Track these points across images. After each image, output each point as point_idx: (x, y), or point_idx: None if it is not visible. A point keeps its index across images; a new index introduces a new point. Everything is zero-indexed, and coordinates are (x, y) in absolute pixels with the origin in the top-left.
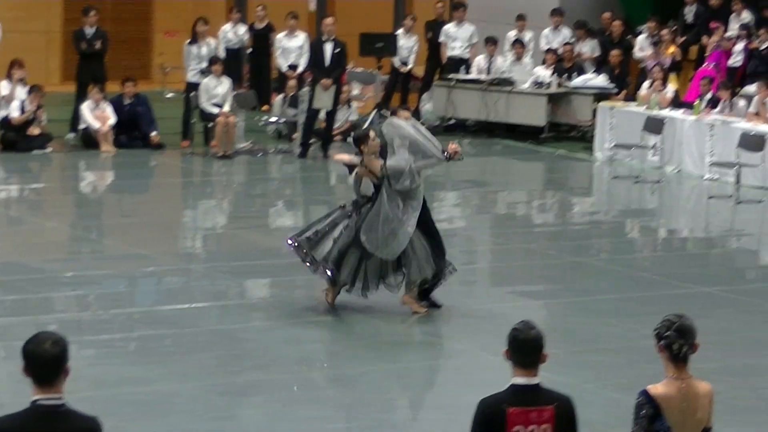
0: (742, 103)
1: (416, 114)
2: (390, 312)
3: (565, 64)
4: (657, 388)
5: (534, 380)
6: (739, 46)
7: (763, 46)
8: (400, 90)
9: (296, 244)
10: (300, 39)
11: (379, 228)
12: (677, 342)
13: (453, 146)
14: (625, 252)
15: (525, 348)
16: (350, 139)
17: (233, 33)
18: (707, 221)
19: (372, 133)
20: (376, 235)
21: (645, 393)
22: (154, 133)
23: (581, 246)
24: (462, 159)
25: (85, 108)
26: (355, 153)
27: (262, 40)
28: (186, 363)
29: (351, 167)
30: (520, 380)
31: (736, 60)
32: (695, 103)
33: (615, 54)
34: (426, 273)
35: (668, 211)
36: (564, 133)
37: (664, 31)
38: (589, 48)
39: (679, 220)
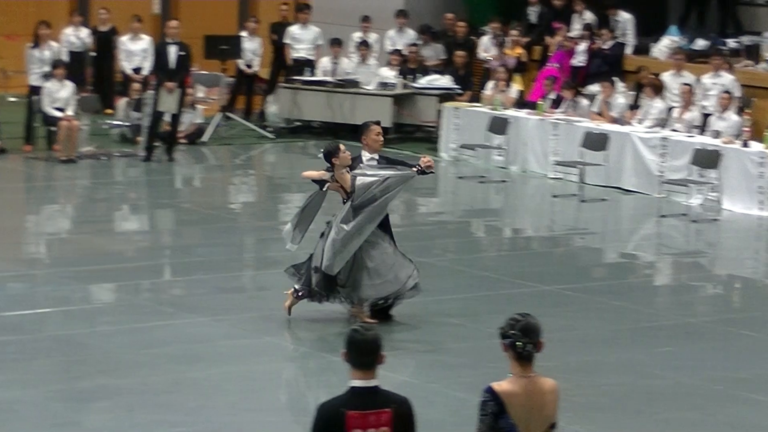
0: (585, 102)
1: (261, 116)
2: (233, 316)
3: (410, 65)
4: (502, 386)
5: (372, 382)
6: (582, 46)
7: (606, 46)
8: (245, 92)
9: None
10: (144, 42)
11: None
12: (521, 341)
13: (425, 159)
14: (470, 252)
15: (362, 350)
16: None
17: (75, 36)
18: (552, 220)
19: (342, 146)
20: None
21: (490, 390)
22: None
23: (427, 246)
24: (434, 172)
25: None
26: (325, 168)
27: (106, 43)
28: (29, 369)
29: (321, 183)
30: (358, 383)
31: (579, 60)
32: (539, 103)
33: (459, 55)
34: (381, 293)
35: (513, 210)
36: (409, 133)
37: (514, 32)
38: (433, 51)
39: (524, 219)
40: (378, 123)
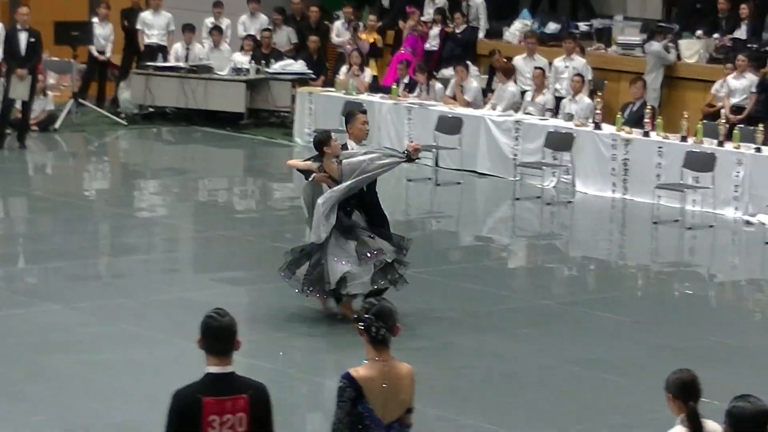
0: (439, 86)
1: (114, 103)
2: (89, 303)
3: (263, 51)
4: (359, 371)
5: (228, 368)
6: (435, 30)
7: (458, 30)
8: (98, 79)
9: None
10: None
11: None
12: (375, 325)
13: (413, 144)
14: None
15: (218, 336)
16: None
17: None
18: (407, 204)
19: (333, 135)
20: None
21: (347, 376)
22: None
23: (282, 232)
24: (420, 158)
25: None
26: (311, 158)
27: None
28: None
29: (306, 173)
30: (214, 369)
31: (432, 44)
32: (393, 88)
33: (313, 40)
34: (365, 288)
35: None
36: (264, 119)
37: (372, 17)
38: (286, 36)
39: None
40: (364, 111)
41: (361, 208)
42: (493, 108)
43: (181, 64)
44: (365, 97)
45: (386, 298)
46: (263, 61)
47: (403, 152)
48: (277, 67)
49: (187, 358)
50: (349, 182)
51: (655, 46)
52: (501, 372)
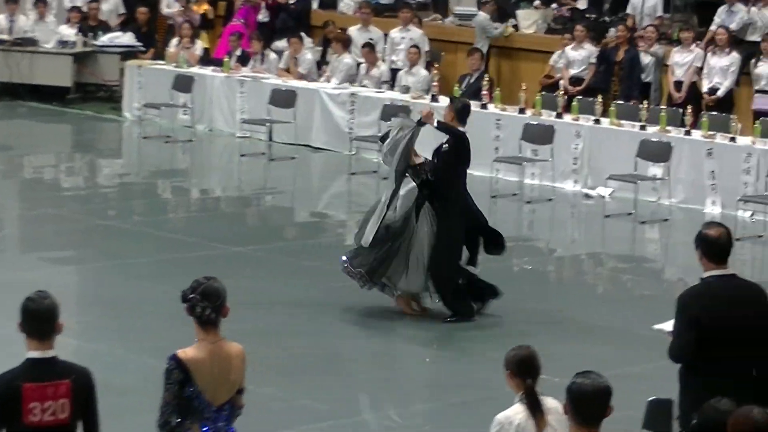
0: (273, 57)
1: None
2: None
3: (90, 23)
4: (187, 353)
5: (49, 353)
6: (267, 0)
7: (292, 1)
8: None
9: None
10: None
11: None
12: (200, 305)
13: (425, 110)
14: (157, 214)
15: (37, 318)
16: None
17: None
18: (240, 180)
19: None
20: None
21: (174, 357)
22: None
23: (112, 209)
24: (428, 122)
25: None
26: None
27: None
28: None
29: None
30: (35, 354)
31: (264, 15)
32: (225, 60)
33: (142, 11)
34: (412, 287)
35: (201, 170)
36: (91, 93)
37: None
38: (113, 7)
39: (212, 179)
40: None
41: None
42: (328, 80)
43: (5, 37)
44: (196, 70)
45: (215, 277)
46: (90, 34)
47: (418, 120)
48: (104, 39)
49: (9, 342)
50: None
51: (481, 16)
52: (338, 352)
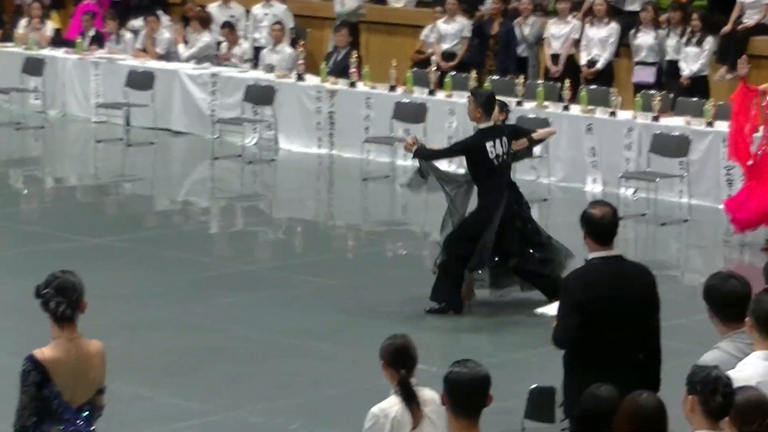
0: (129, 37)
1: None
2: None
3: None
4: (44, 352)
5: None
6: None
7: None
8: None
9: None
10: None
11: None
12: (54, 300)
13: (409, 141)
14: (9, 205)
15: None
16: None
17: None
18: (97, 167)
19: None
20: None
21: (31, 358)
22: None
23: None
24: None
25: None
26: None
27: None
28: None
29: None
30: None
31: None
32: (77, 41)
33: None
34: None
35: (54, 158)
36: None
37: None
38: None
39: (67, 167)
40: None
41: None
42: (188, 61)
43: None
44: (47, 52)
45: (72, 271)
46: None
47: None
48: None
49: None
50: None
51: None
52: (203, 345)
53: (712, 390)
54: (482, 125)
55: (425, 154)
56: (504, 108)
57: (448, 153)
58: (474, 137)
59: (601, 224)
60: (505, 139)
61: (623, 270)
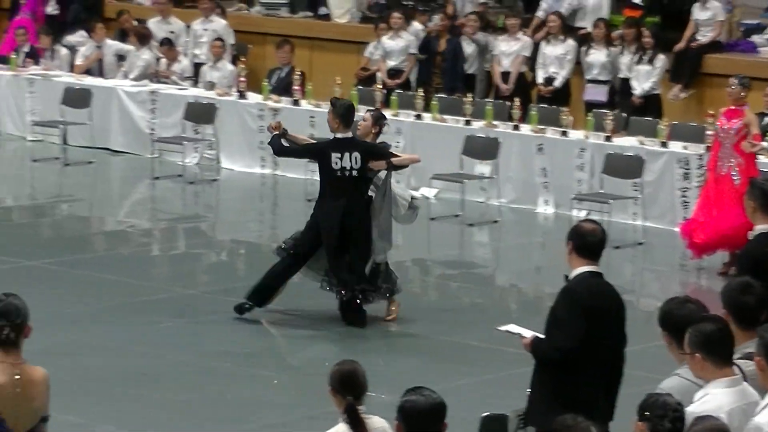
0: (64, 53)
1: None
2: None
3: None
4: None
5: None
6: None
7: None
8: None
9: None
10: None
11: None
12: None
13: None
14: None
15: None
16: None
17: None
18: (33, 187)
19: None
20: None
21: None
22: None
23: None
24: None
25: None
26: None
27: None
28: None
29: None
30: None
31: (53, 8)
32: (11, 57)
33: None
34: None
35: None
36: None
37: None
38: None
39: (2, 187)
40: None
41: None
42: (126, 77)
43: None
44: None
45: (15, 294)
46: None
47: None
48: None
49: None
50: None
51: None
52: (141, 371)
53: (660, 416)
54: (338, 135)
55: (279, 147)
56: (379, 121)
57: (300, 153)
58: (324, 143)
59: (593, 240)
60: (357, 154)
61: (609, 285)
